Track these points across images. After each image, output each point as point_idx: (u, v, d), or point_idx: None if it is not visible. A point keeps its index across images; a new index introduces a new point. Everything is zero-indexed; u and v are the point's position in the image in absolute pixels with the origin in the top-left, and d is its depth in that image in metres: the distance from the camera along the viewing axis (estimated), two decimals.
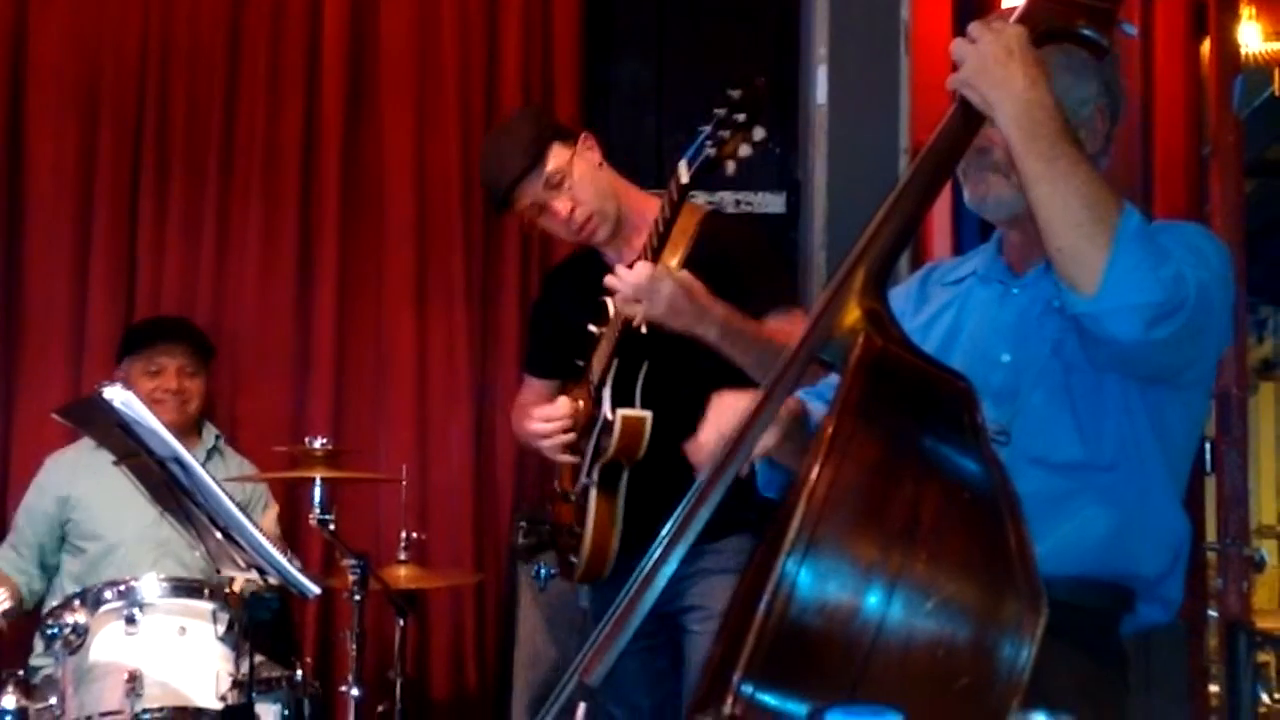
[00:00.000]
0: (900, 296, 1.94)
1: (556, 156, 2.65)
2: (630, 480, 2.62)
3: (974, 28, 1.60)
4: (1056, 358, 1.73)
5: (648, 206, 2.65)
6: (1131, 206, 1.56)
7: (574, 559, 2.69)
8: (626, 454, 2.57)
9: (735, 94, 2.22)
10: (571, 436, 2.65)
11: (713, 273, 2.43)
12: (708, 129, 2.23)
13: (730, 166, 2.25)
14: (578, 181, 2.65)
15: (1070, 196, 1.54)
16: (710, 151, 2.23)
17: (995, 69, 1.56)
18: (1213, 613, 2.81)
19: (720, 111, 2.23)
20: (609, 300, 2.53)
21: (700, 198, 3.22)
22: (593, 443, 2.62)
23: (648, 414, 2.55)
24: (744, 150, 2.23)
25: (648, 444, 2.56)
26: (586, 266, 2.77)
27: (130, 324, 3.74)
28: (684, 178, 2.30)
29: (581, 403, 2.69)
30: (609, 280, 2.38)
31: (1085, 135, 1.77)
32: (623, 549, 2.63)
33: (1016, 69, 1.55)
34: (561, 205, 2.65)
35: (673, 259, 2.55)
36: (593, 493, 2.61)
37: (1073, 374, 1.72)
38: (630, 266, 2.37)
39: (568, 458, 2.69)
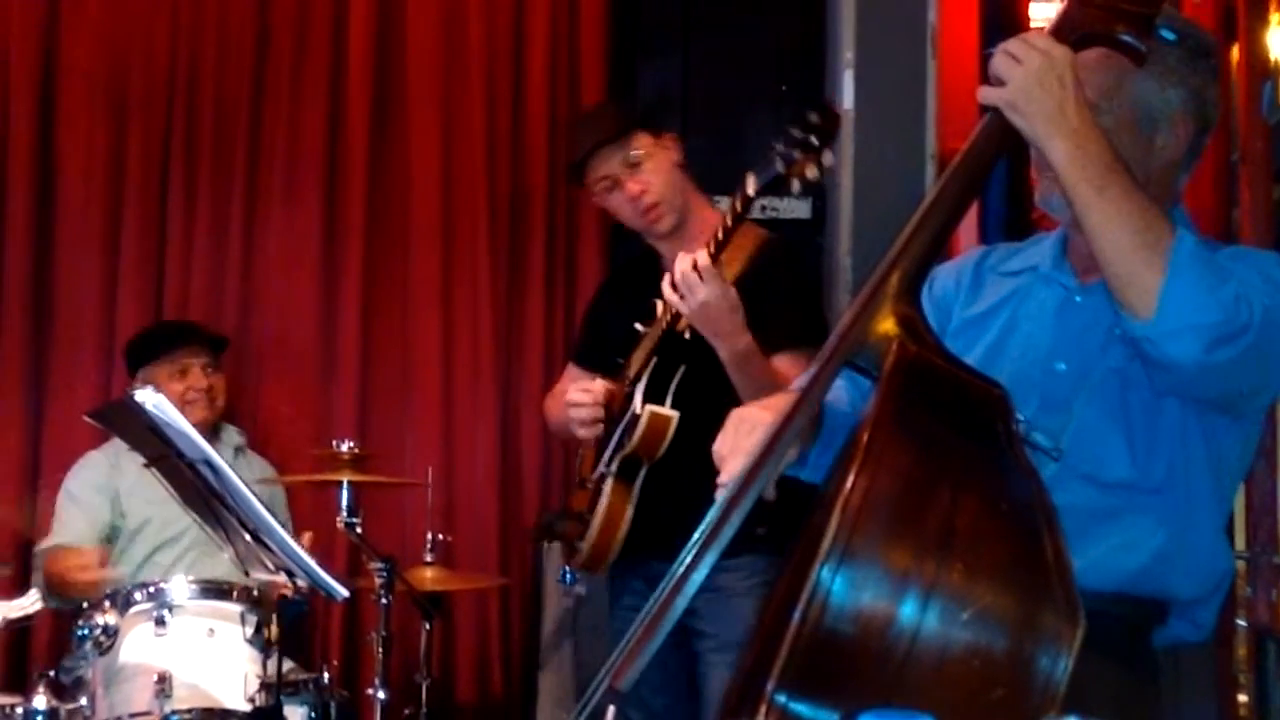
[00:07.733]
0: (951, 275, 1.91)
1: (640, 140, 2.75)
2: (650, 480, 2.65)
3: (1017, 46, 1.54)
4: (1115, 374, 1.70)
5: (710, 216, 2.74)
6: (1186, 230, 1.54)
7: (579, 544, 2.72)
8: (647, 450, 2.61)
9: (814, 117, 2.27)
10: (601, 412, 2.69)
11: (749, 294, 2.48)
12: (779, 145, 2.27)
13: (795, 186, 2.30)
14: (654, 168, 2.75)
15: (1123, 223, 1.52)
16: (779, 168, 2.28)
17: (1047, 100, 1.52)
18: (1241, 622, 2.79)
19: (795, 131, 2.26)
20: (659, 301, 2.58)
21: (722, 203, 3.22)
22: (617, 434, 2.67)
23: (675, 414, 2.59)
24: (811, 173, 2.28)
25: (671, 446, 2.59)
26: (644, 268, 2.83)
27: (137, 334, 3.63)
28: (750, 189, 2.35)
29: (615, 396, 2.72)
30: (675, 268, 2.39)
31: (1164, 137, 1.72)
32: (635, 548, 2.67)
33: (1070, 103, 1.51)
34: (634, 185, 2.73)
35: (728, 274, 2.57)
36: (609, 482, 2.66)
37: (1130, 391, 1.68)
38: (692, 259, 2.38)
39: (591, 432, 2.72)
